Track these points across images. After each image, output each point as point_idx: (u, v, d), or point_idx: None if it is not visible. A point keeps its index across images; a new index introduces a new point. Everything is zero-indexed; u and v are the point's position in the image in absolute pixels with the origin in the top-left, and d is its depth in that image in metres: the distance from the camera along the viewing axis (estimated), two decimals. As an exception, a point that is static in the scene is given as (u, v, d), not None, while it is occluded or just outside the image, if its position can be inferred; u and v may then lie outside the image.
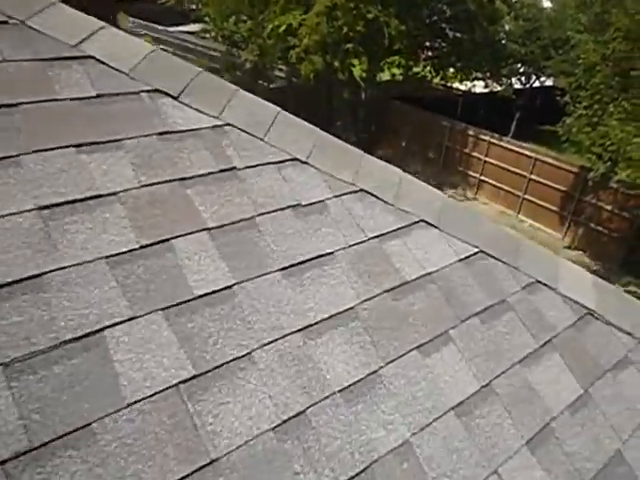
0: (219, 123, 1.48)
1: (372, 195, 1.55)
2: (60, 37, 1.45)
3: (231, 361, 1.09)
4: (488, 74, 17.39)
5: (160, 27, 29.91)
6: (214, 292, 1.15)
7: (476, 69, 16.99)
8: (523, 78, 20.75)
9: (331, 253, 1.36)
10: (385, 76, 19.60)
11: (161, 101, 1.45)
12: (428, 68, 17.88)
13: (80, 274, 1.06)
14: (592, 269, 13.83)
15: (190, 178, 1.32)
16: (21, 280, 1.01)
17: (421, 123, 17.87)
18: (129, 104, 1.40)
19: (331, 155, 1.58)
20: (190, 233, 1.22)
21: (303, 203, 1.42)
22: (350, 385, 1.17)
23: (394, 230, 1.50)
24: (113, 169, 1.25)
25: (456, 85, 19.39)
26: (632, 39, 8.54)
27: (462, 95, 20.64)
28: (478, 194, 17.00)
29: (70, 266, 1.06)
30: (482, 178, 16.68)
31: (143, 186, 1.25)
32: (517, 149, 15.63)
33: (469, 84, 19.07)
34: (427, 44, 17.30)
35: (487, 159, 16.35)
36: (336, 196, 1.49)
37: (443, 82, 19.16)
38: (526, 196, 15.54)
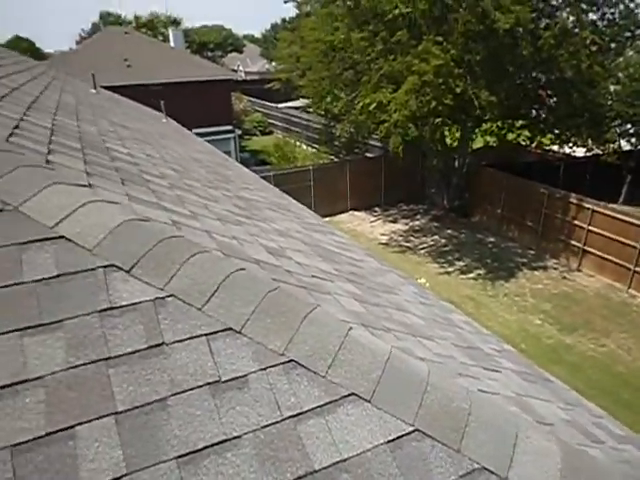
0: (162, 295, 1.62)
1: (302, 366, 1.57)
2: (42, 219, 1.72)
3: None
4: (589, 139, 16.40)
5: (271, 104, 32.95)
6: (102, 484, 1.24)
7: (574, 134, 16.14)
8: (633, 139, 19.25)
9: (239, 437, 1.39)
10: (478, 143, 19.34)
11: (113, 276, 1.63)
12: (522, 136, 17.37)
13: (-17, 463, 1.22)
14: None
15: (116, 357, 1.46)
16: None
17: (517, 190, 17.17)
18: (83, 281, 1.60)
19: (269, 321, 1.64)
20: (98, 418, 1.34)
21: (223, 379, 1.49)
22: None
23: (317, 407, 1.49)
24: (47, 351, 1.43)
25: (556, 148, 18.48)
26: None
27: (562, 160, 19.58)
28: (582, 265, 15.69)
29: (-24, 456, 1.22)
30: (586, 248, 15.42)
31: (69, 368, 1.41)
32: (624, 217, 14.30)
33: (568, 149, 18.11)
34: (521, 111, 16.86)
35: (591, 228, 15.16)
36: (262, 369, 1.53)
37: (541, 147, 18.40)
38: (638, 269, 14.00)
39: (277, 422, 1.44)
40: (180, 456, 1.33)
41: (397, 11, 13.36)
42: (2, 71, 4.72)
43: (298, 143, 24.58)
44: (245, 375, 1.51)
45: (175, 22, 41.93)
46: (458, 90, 13.83)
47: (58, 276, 1.60)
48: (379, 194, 19.82)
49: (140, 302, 1.59)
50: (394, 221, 19.15)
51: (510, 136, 18.05)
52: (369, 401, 1.54)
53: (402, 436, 1.50)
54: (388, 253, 16.54)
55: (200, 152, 6.36)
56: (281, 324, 1.65)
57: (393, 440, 1.49)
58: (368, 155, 21.08)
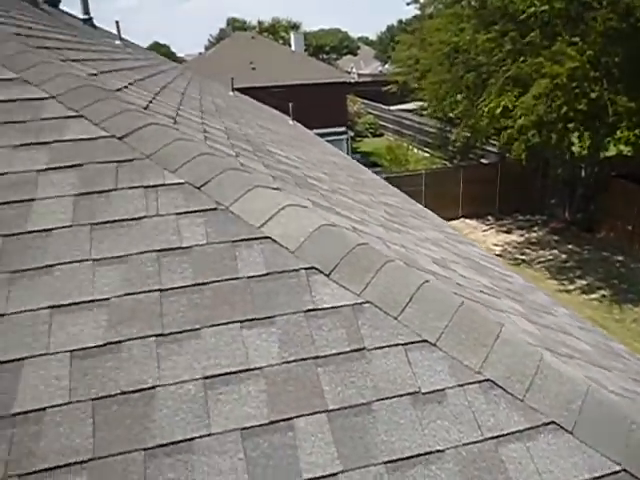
0: (359, 301, 1.68)
1: (499, 387, 1.54)
2: (250, 220, 1.87)
3: None
4: None
5: (383, 106, 32.98)
6: (320, 478, 1.32)
7: None
8: None
9: (442, 451, 1.41)
10: (610, 152, 17.70)
11: (314, 278, 1.73)
12: (667, 146, 15.55)
13: (220, 442, 1.35)
14: None
15: (323, 357, 1.54)
16: (180, 441, 1.34)
17: (655, 206, 15.44)
18: (288, 281, 1.71)
19: (463, 337, 1.64)
20: (312, 414, 1.42)
21: (423, 391, 1.51)
22: None
23: (517, 431, 1.46)
24: (264, 345, 1.55)
25: None
26: None
27: None
28: None
29: (214, 434, 1.36)
30: None
31: (283, 362, 1.52)
32: None
33: None
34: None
35: None
36: (459, 385, 1.53)
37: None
38: None
39: (478, 442, 1.43)
40: (388, 462, 1.37)
41: (532, 10, 12.62)
42: (169, 76, 5.21)
43: (410, 147, 24.29)
44: (443, 389, 1.52)
45: (295, 26, 43.58)
46: (594, 95, 12.76)
47: (267, 274, 1.72)
48: (493, 202, 18.93)
49: (341, 306, 1.66)
50: (508, 231, 18.18)
51: (651, 145, 16.26)
52: (571, 432, 1.48)
53: (609, 474, 1.42)
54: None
55: (331, 155, 6.53)
56: (474, 341, 1.64)
57: (599, 477, 1.41)
58: (483, 161, 20.25)
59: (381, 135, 31.20)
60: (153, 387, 1.43)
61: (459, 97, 16.74)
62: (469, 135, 17.66)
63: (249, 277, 1.71)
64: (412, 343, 1.61)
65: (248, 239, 1.81)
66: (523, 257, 16.28)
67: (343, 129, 23.11)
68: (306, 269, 1.75)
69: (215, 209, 1.90)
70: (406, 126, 28.15)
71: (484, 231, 18.20)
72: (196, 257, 1.75)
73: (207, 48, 45.48)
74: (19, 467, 1.28)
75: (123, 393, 1.42)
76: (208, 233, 1.82)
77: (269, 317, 1.62)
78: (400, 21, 44.84)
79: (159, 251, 1.75)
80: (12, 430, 1.33)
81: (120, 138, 2.11)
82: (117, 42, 6.72)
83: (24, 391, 1.40)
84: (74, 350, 1.49)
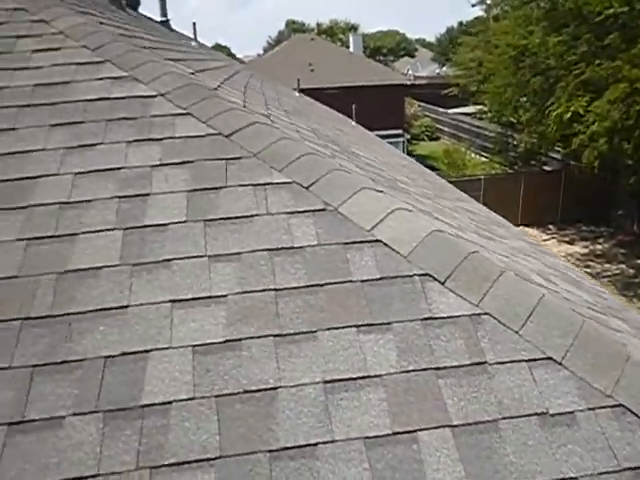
0: (477, 312, 1.61)
1: (633, 414, 1.43)
2: (360, 222, 1.83)
3: None
4: None
5: (440, 109, 32.39)
6: (449, 495, 1.27)
7: None
8: None
9: (575, 478, 1.32)
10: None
11: (429, 285, 1.67)
12: None
13: (344, 450, 1.32)
14: None
15: (443, 368, 1.49)
16: (304, 446, 1.32)
17: None
18: (402, 287, 1.67)
19: (590, 356, 1.53)
20: (435, 427, 1.37)
21: (551, 412, 1.42)
22: None
23: (657, 464, 1.35)
24: (381, 351, 1.51)
25: None
26: None
27: None
28: None
29: (337, 441, 1.33)
30: None
31: (403, 372, 1.47)
32: None
33: None
34: None
35: None
36: (589, 409, 1.44)
37: None
38: None
39: (615, 472, 1.34)
40: (519, 485, 1.30)
41: (610, 11, 12.01)
42: (245, 76, 5.30)
43: (468, 151, 23.66)
44: (572, 412, 1.43)
45: (353, 28, 43.60)
46: (677, 101, 11.99)
47: (380, 279, 1.69)
48: (555, 211, 18.16)
49: (458, 316, 1.60)
50: (570, 242, 17.40)
51: None
52: None
53: None
54: (562, 277, 15.07)
55: (400, 157, 6.44)
56: (603, 361, 1.53)
57: None
58: (546, 168, 19.46)
59: (437, 139, 30.60)
60: (274, 388, 1.42)
61: (522, 100, 16.17)
62: (534, 141, 17.03)
63: (363, 281, 1.68)
64: (536, 360, 1.52)
65: (359, 242, 1.78)
66: (588, 270, 15.51)
67: (400, 132, 22.86)
68: (420, 275, 1.69)
69: (324, 210, 1.88)
70: (464, 130, 27.47)
71: (545, 240, 17.48)
72: (308, 258, 1.74)
73: (266, 50, 46.25)
74: (149, 459, 1.30)
75: (245, 392, 1.41)
76: (319, 234, 1.80)
77: (385, 323, 1.58)
78: (460, 23, 43.83)
79: (271, 250, 1.75)
80: (141, 421, 1.36)
81: (227, 136, 2.13)
82: (193, 43, 6.90)
83: (150, 383, 1.43)
84: (196, 345, 1.50)
